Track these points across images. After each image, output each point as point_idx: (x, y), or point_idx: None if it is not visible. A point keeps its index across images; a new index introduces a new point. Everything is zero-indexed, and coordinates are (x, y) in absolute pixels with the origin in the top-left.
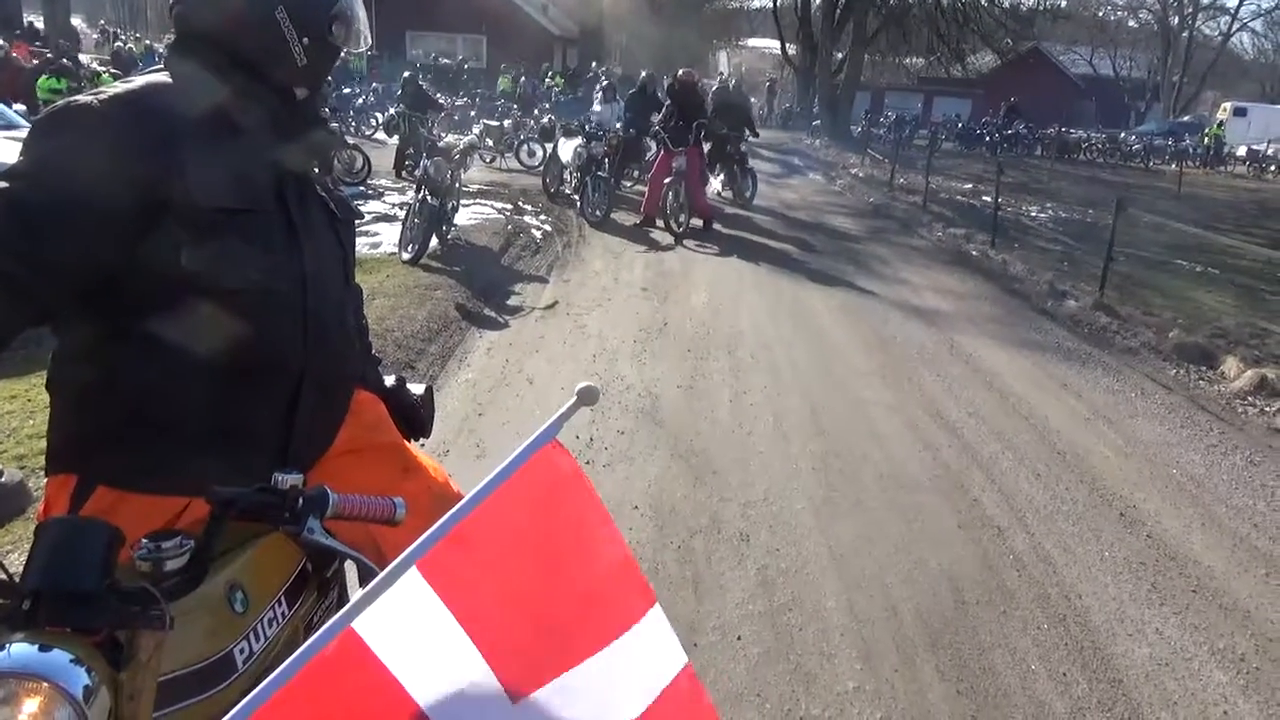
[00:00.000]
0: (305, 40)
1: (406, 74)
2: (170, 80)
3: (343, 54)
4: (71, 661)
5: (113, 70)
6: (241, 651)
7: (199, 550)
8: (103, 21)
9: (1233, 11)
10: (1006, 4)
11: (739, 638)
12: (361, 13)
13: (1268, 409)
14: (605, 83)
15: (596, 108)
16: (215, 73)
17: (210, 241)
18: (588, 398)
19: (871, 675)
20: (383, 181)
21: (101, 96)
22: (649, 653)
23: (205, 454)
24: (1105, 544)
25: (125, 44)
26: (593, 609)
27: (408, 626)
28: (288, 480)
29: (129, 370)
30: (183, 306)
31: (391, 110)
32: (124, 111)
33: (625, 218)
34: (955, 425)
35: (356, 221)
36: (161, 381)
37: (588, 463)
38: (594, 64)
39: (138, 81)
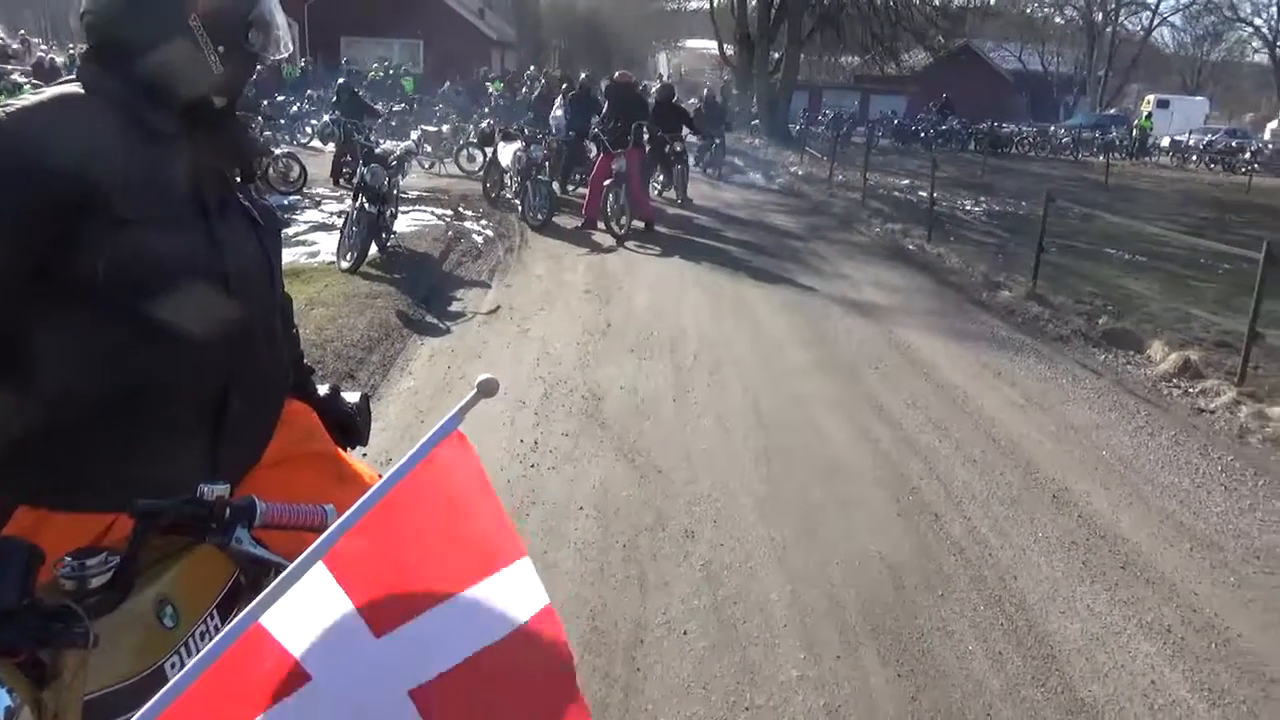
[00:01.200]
0: (220, 48)
1: (341, 80)
2: (82, 91)
3: (265, 61)
4: None
5: (34, 81)
6: (173, 666)
7: (123, 565)
8: (22, 31)
9: (1153, 7)
10: (937, 2)
11: (685, 632)
12: (280, 18)
13: (1191, 390)
14: (565, 85)
15: (558, 111)
16: (129, 82)
17: (127, 252)
18: (487, 389)
19: (815, 663)
20: (320, 190)
21: (8, 109)
22: (512, 594)
23: (129, 468)
24: (1039, 525)
25: (48, 54)
26: (467, 567)
27: (315, 621)
28: (214, 491)
29: (46, 386)
30: (101, 318)
31: (326, 117)
32: (31, 124)
33: (568, 221)
34: (894, 416)
35: (285, 230)
36: (81, 396)
37: (532, 466)
38: (531, 68)
39: (49, 93)
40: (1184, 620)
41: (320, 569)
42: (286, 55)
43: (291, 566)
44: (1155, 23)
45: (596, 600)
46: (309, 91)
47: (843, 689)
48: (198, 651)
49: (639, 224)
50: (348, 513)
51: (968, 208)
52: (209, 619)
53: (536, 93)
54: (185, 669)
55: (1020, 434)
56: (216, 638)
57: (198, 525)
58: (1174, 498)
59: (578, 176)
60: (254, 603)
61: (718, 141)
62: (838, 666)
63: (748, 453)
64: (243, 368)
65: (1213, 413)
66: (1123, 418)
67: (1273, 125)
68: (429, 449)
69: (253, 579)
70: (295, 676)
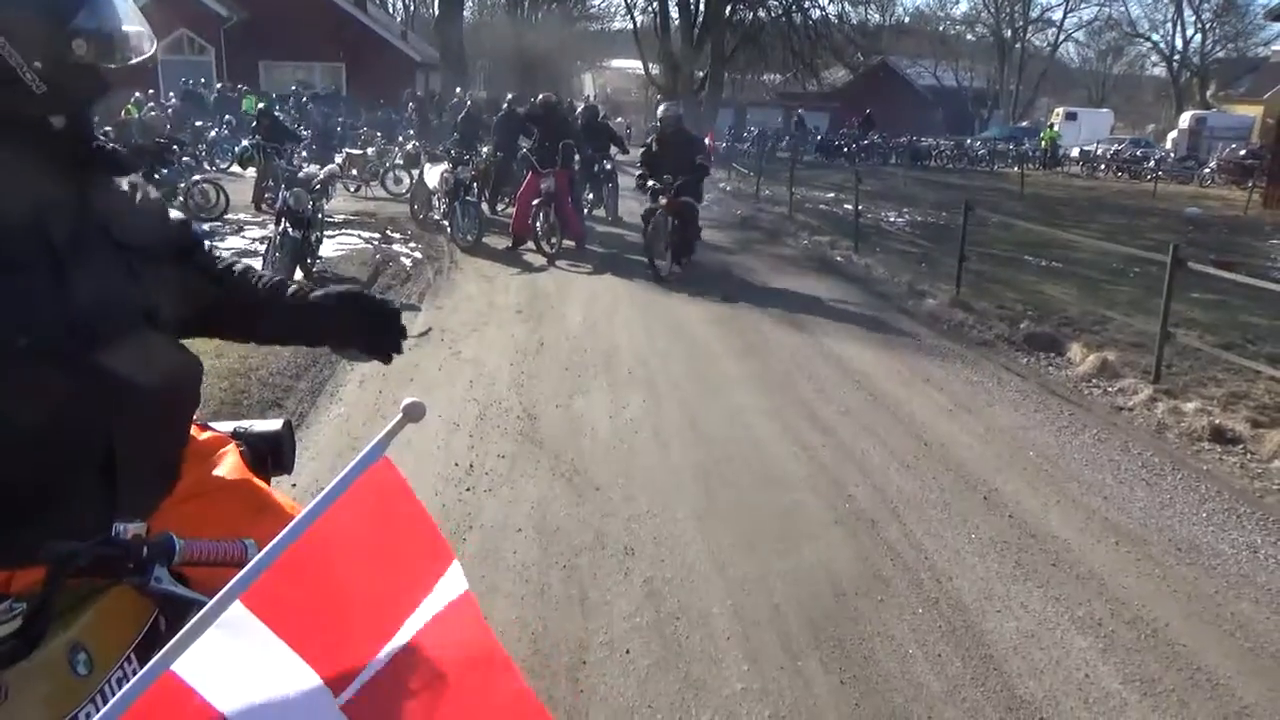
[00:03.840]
0: (37, 64)
1: (261, 105)
2: None
3: (114, 68)
4: None
5: None
6: (88, 717)
7: (35, 612)
8: None
9: (1058, 24)
10: (854, 21)
11: (628, 651)
12: (123, 18)
13: (1110, 389)
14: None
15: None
16: None
17: None
18: (414, 414)
19: (759, 675)
20: (242, 216)
21: None
22: (439, 598)
23: (20, 522)
24: (971, 527)
25: None
26: (405, 598)
27: (236, 663)
28: (129, 529)
29: None
30: None
31: (246, 142)
32: None
33: (498, 241)
34: (828, 424)
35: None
36: None
37: (468, 489)
38: (458, 90)
39: None
40: (1113, 614)
41: (240, 609)
42: (143, 57)
43: (206, 607)
44: (1061, 39)
45: (537, 622)
46: (227, 117)
47: (787, 699)
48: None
49: (569, 242)
50: (267, 548)
51: (891, 219)
52: (126, 664)
53: (462, 114)
54: None
55: (950, 438)
56: (125, 687)
57: (114, 566)
58: (1099, 494)
59: (507, 197)
60: (165, 648)
61: (685, 203)
62: (781, 677)
63: (685, 467)
64: (119, 410)
65: (1131, 410)
66: (1047, 418)
67: (1173, 135)
68: (353, 478)
69: (174, 619)
70: None
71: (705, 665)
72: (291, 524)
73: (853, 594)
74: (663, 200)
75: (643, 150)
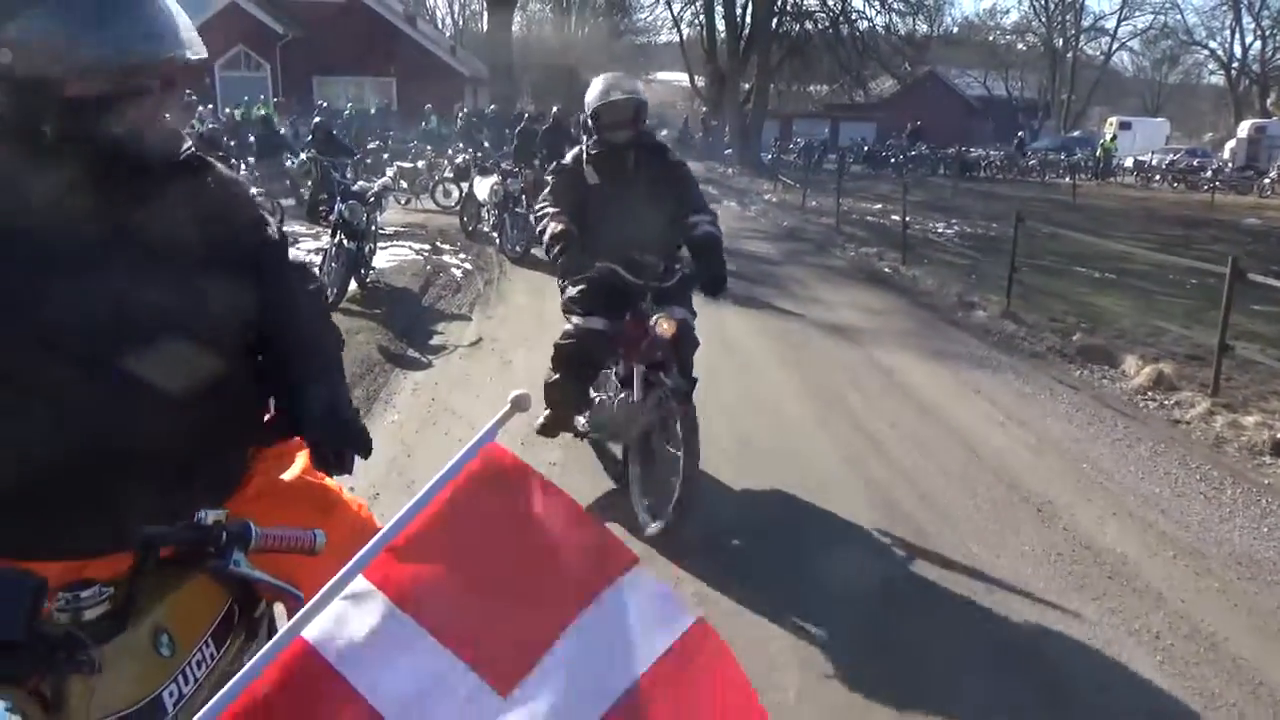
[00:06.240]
0: None
1: (317, 119)
2: None
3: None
4: (6, 710)
5: None
6: (171, 694)
7: (127, 593)
8: None
9: (1112, 33)
10: (903, 31)
11: None
12: (75, 25)
13: (1166, 402)
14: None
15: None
16: None
17: None
18: (521, 404)
19: (815, 685)
20: (297, 228)
21: None
22: (639, 612)
23: (70, 522)
24: (1025, 539)
25: None
26: (563, 583)
27: (363, 633)
28: (211, 516)
29: None
30: None
31: (303, 155)
32: None
33: None
34: (878, 437)
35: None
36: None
37: None
38: (491, 106)
39: None
40: (1171, 627)
41: (364, 583)
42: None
43: (332, 581)
44: (1114, 47)
45: None
46: (282, 131)
47: (841, 715)
48: (194, 680)
49: None
50: (385, 528)
51: (940, 230)
52: (204, 647)
53: (519, 127)
54: (231, 682)
55: (1002, 449)
56: (260, 652)
57: (197, 549)
58: (1156, 508)
59: None
60: (296, 616)
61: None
62: (835, 686)
63: (733, 479)
64: (163, 410)
65: (1188, 424)
66: (1102, 431)
67: (1231, 144)
68: (464, 462)
69: (247, 608)
70: (345, 692)
71: (758, 676)
72: (406, 506)
73: (904, 607)
74: (661, 324)
75: (553, 174)
